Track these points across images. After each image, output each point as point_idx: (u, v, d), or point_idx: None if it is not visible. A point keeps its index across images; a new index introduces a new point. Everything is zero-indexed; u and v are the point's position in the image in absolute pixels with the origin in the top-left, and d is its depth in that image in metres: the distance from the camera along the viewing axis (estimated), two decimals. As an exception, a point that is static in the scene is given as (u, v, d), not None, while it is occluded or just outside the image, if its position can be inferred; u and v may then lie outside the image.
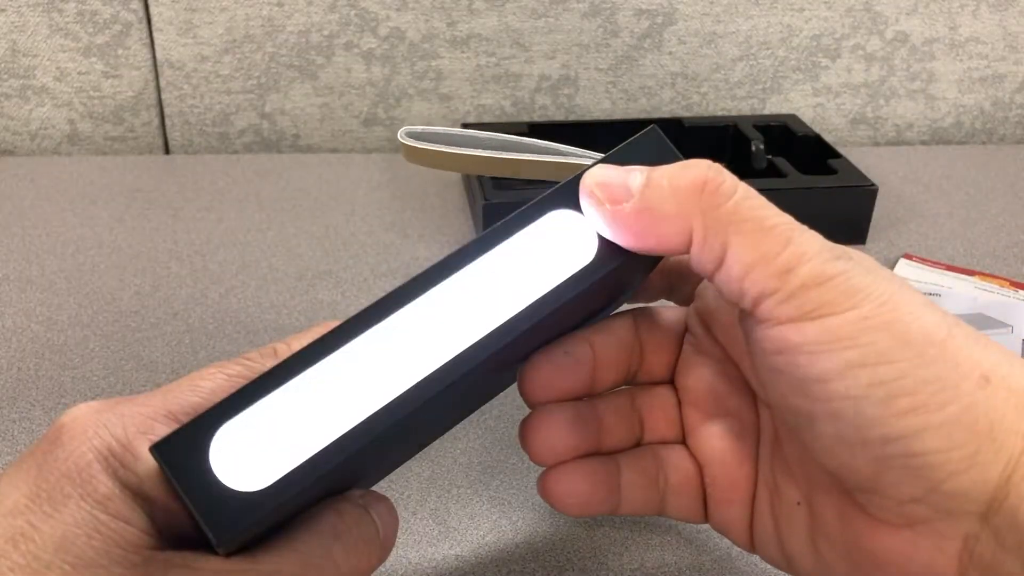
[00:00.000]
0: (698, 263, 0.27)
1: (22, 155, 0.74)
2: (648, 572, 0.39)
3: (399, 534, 0.40)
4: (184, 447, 0.25)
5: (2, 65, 0.71)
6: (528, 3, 0.72)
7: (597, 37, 0.74)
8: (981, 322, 0.52)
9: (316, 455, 0.26)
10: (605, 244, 0.29)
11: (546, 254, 0.29)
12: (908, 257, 0.59)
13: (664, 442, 0.33)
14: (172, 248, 0.60)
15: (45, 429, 0.45)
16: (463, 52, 0.73)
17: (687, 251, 0.27)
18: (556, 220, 0.29)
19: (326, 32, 0.71)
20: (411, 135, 0.31)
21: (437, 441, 0.45)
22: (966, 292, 0.54)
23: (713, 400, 0.32)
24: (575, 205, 0.29)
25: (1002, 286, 0.55)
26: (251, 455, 0.25)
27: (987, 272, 0.57)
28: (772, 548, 0.30)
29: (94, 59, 0.71)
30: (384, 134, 0.76)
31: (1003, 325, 0.51)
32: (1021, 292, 0.55)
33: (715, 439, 0.32)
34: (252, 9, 0.70)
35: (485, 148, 0.31)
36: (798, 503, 0.29)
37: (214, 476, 0.24)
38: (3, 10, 0.69)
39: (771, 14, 0.75)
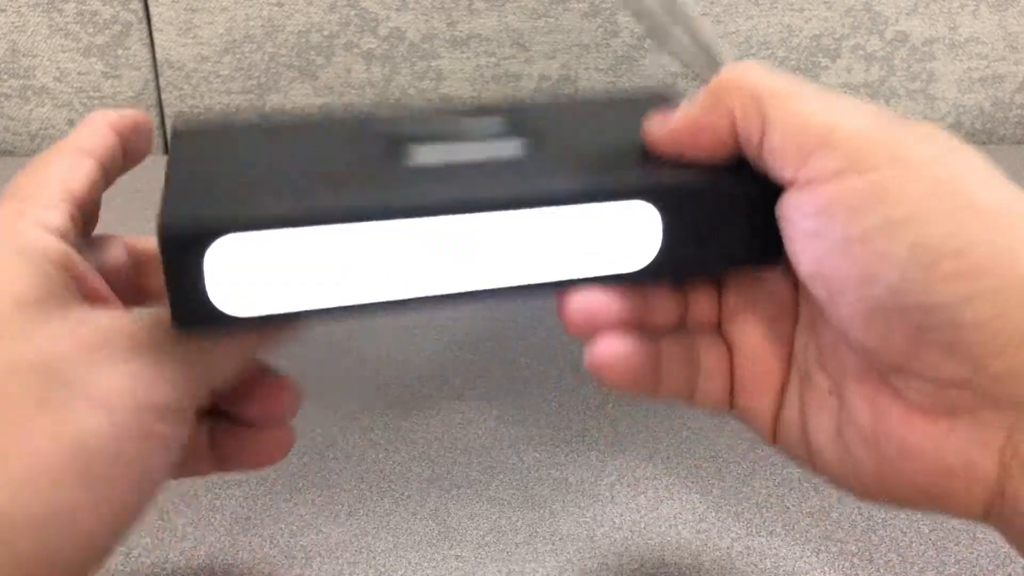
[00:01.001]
0: (744, 139, 0.27)
1: (22, 155, 0.74)
2: (648, 572, 0.39)
3: (399, 534, 0.40)
4: (186, 240, 0.24)
5: (2, 65, 0.71)
6: (528, 3, 0.72)
7: (597, 37, 0.74)
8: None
9: (304, 312, 0.26)
10: (661, 257, 0.29)
11: (605, 245, 0.29)
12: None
13: (702, 323, 0.32)
14: (172, 248, 0.60)
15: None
16: (463, 52, 0.73)
17: (736, 139, 0.27)
18: (635, 213, 0.28)
19: (326, 32, 0.71)
20: None
21: (437, 441, 0.45)
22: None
23: (753, 282, 0.31)
24: (663, 208, 0.28)
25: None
26: (245, 276, 0.25)
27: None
28: (795, 440, 0.29)
29: (94, 59, 0.71)
30: (384, 134, 0.76)
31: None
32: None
33: (750, 325, 0.31)
34: (252, 9, 0.70)
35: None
36: (829, 392, 0.28)
37: (203, 280, 0.25)
38: (3, 10, 0.69)
39: (771, 14, 0.75)
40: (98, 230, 0.33)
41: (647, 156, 0.30)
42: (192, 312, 0.25)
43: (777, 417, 0.30)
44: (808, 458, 0.29)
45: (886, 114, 0.25)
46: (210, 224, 0.24)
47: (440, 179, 0.27)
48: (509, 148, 0.30)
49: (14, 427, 0.23)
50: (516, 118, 0.32)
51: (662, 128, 0.29)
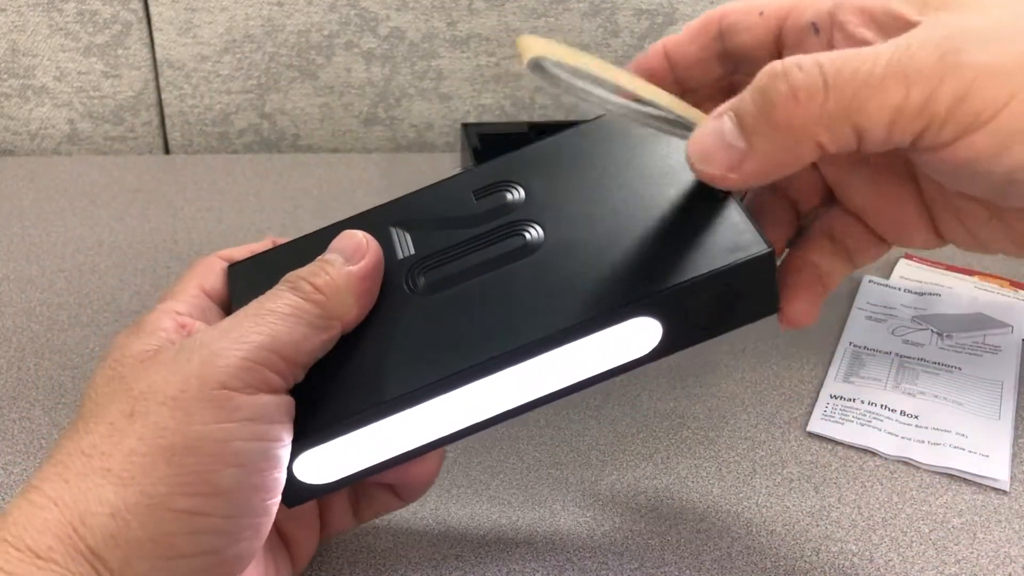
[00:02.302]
0: (842, 149, 0.27)
1: (22, 155, 0.74)
2: (648, 572, 0.39)
3: (399, 534, 0.40)
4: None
5: (2, 65, 0.71)
6: (528, 3, 0.72)
7: (597, 37, 0.74)
8: (981, 322, 0.52)
9: (372, 466, 0.33)
10: (666, 343, 0.32)
11: (614, 349, 0.32)
12: (908, 257, 0.59)
13: (817, 209, 0.34)
14: (172, 248, 0.60)
15: (45, 429, 0.45)
16: (463, 52, 0.73)
17: (824, 155, 0.28)
18: (635, 324, 0.31)
19: (326, 32, 0.71)
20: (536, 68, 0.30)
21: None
22: (966, 292, 0.54)
23: (841, 160, 0.32)
24: (660, 316, 0.31)
25: (1002, 286, 0.55)
26: (323, 464, 0.33)
27: (987, 272, 0.57)
28: (967, 244, 0.31)
29: (94, 59, 0.71)
30: (384, 134, 0.76)
31: (1003, 325, 0.52)
32: (1021, 292, 0.55)
33: (860, 192, 0.32)
34: (252, 9, 0.70)
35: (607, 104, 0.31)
36: (990, 218, 0.30)
37: (296, 478, 0.32)
38: (3, 10, 0.69)
39: (771, 14, 0.75)
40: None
41: (645, 246, 0.32)
42: (293, 495, 0.33)
43: (940, 236, 0.32)
44: (983, 251, 0.31)
45: (948, 45, 0.25)
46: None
47: (466, 332, 0.32)
48: (511, 254, 0.34)
49: (112, 436, 0.29)
50: (515, 201, 0.36)
51: (732, 177, 0.28)
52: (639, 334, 0.31)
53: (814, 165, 0.34)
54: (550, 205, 0.34)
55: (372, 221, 0.36)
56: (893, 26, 0.27)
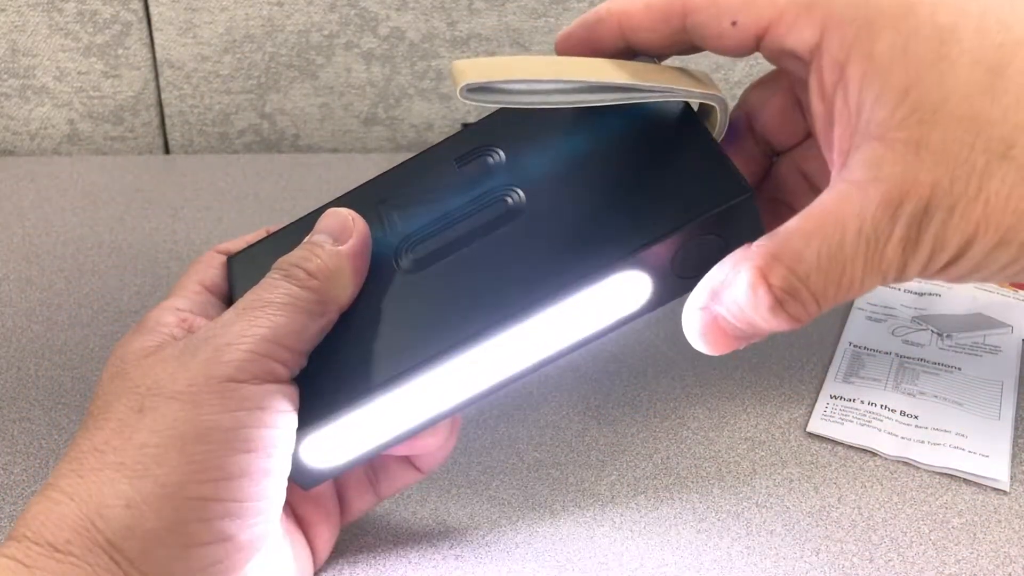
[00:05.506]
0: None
1: (22, 155, 0.74)
2: (648, 572, 0.39)
3: (399, 534, 0.40)
4: None
5: (2, 65, 0.71)
6: (528, 3, 0.72)
7: (597, 37, 0.74)
8: (981, 322, 0.52)
9: (380, 444, 0.34)
10: (655, 296, 0.32)
11: (602, 306, 0.32)
12: (908, 257, 0.58)
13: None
14: (172, 248, 0.60)
15: (45, 429, 0.45)
16: (463, 52, 0.73)
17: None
18: (623, 278, 0.31)
19: (326, 32, 0.71)
20: (471, 91, 0.29)
21: (437, 441, 0.45)
22: (966, 292, 0.54)
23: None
24: (646, 269, 0.31)
25: (1002, 286, 0.55)
26: (330, 446, 0.33)
27: (987, 272, 0.57)
28: None
29: (94, 59, 0.71)
30: (384, 134, 0.76)
31: (1003, 325, 0.52)
32: (1021, 292, 0.55)
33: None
34: (252, 9, 0.70)
35: (558, 101, 0.30)
36: None
37: (305, 463, 0.33)
38: (3, 10, 0.69)
39: (771, 14, 0.75)
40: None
41: (631, 199, 0.32)
42: (306, 478, 0.34)
43: None
44: None
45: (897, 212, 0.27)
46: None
47: (454, 307, 0.32)
48: (495, 221, 0.33)
49: (122, 431, 0.30)
50: (497, 165, 0.35)
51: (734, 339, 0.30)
52: (630, 288, 0.31)
53: (799, 109, 0.34)
54: (530, 166, 0.34)
55: (359, 198, 0.36)
56: (860, 114, 0.28)
